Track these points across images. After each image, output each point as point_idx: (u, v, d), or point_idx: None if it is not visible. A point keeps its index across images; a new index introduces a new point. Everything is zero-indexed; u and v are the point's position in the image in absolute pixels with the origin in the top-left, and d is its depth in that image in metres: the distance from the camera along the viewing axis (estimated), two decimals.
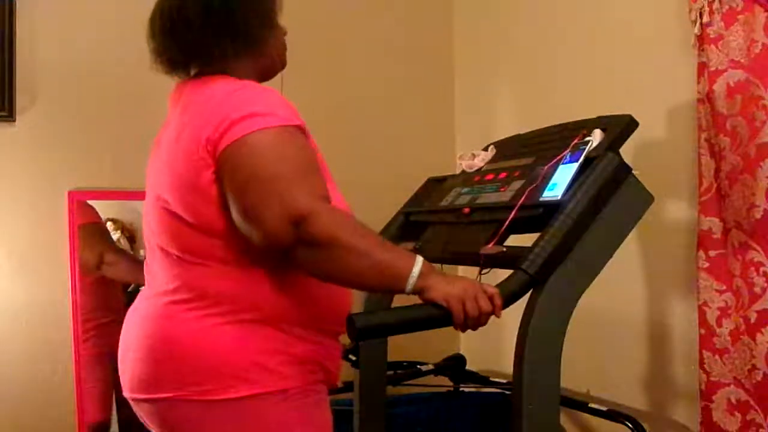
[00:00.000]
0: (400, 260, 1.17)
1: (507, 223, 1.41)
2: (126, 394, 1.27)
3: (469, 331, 1.21)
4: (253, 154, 1.13)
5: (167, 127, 1.29)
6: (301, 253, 1.13)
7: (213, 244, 1.19)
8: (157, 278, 1.26)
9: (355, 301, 1.44)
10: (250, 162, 1.13)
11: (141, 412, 1.27)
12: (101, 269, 2.26)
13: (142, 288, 1.34)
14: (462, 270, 2.32)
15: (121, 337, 1.32)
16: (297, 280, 1.21)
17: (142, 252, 2.35)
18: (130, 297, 2.22)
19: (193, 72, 1.30)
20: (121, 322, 1.32)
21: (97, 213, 2.29)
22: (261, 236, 1.12)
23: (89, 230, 2.27)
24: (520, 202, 1.42)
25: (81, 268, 2.21)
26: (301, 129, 1.19)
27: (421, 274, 1.16)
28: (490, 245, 1.43)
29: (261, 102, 1.17)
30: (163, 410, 1.21)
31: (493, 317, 1.22)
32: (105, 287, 2.28)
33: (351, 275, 1.16)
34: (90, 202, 2.27)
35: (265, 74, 1.32)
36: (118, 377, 1.30)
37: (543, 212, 1.39)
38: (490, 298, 1.20)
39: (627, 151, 1.46)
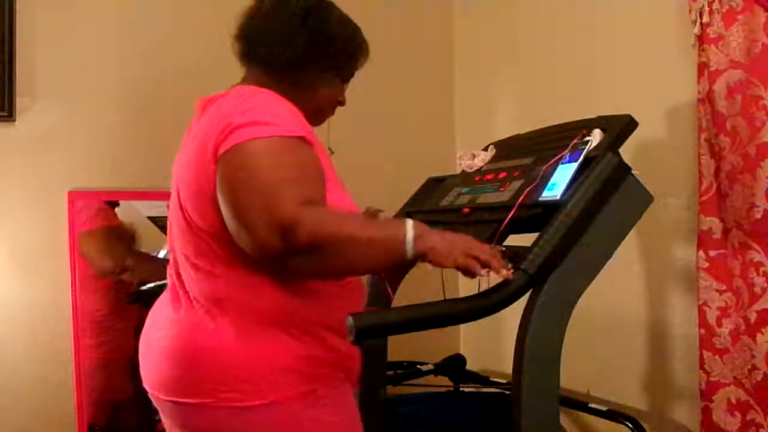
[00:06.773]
0: (391, 230, 1.15)
1: (506, 222, 1.41)
2: (148, 389, 1.28)
3: (469, 331, 1.21)
4: (245, 162, 1.12)
5: (190, 131, 1.30)
6: (295, 260, 1.12)
7: (229, 251, 1.18)
8: (180, 283, 1.26)
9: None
10: (242, 170, 1.12)
11: (162, 409, 1.27)
12: (122, 275, 2.24)
13: (166, 288, 1.34)
14: None
15: (142, 334, 1.33)
16: (313, 285, 1.22)
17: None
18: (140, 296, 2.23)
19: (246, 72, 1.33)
20: (134, 329, 1.32)
21: (115, 215, 2.27)
22: (252, 245, 1.11)
23: (107, 234, 2.26)
24: (519, 201, 1.42)
25: (98, 273, 2.20)
26: (304, 139, 1.18)
27: (417, 237, 1.13)
28: (490, 245, 1.43)
29: (266, 110, 1.16)
30: (187, 414, 1.21)
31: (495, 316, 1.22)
32: (117, 291, 2.25)
33: (350, 265, 1.15)
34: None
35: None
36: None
37: (542, 212, 1.39)
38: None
39: (627, 151, 1.45)
